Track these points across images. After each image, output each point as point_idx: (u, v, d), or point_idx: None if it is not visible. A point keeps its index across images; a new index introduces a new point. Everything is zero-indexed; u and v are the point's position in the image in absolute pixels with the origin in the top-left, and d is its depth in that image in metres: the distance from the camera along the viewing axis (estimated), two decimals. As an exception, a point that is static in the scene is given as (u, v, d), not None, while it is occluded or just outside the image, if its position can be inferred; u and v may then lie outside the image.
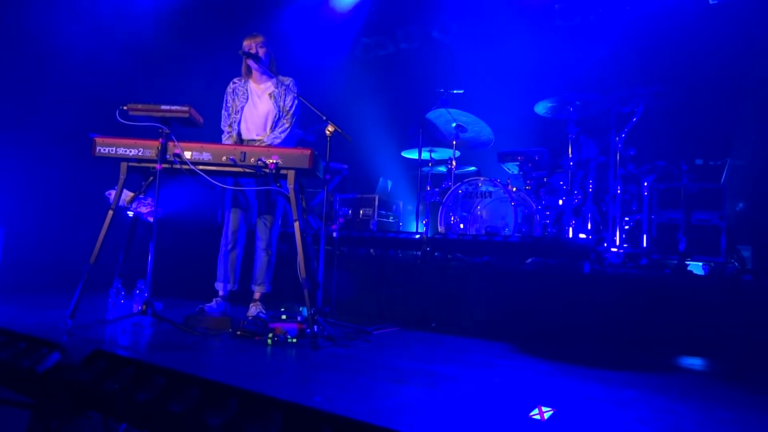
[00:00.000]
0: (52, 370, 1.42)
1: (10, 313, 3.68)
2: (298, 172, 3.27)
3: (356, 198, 5.84)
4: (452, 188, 5.07)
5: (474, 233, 4.89)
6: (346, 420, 1.00)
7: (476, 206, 5.01)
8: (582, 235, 4.59)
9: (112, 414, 1.28)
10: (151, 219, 3.27)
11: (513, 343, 3.49)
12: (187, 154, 3.20)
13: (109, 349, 2.80)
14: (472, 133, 5.38)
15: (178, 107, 3.14)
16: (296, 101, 3.76)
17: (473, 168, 5.81)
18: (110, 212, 3.18)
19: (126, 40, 6.01)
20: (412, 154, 5.78)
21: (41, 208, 5.65)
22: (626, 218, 4.73)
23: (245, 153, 3.21)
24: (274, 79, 3.75)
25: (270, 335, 3.11)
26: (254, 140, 3.74)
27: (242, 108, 3.76)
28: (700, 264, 4.49)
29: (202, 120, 3.34)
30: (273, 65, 3.77)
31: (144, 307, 3.06)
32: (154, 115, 3.15)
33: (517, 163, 5.20)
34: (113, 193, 3.22)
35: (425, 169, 5.54)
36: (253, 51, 3.65)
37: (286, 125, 3.73)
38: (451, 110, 5.16)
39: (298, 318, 3.32)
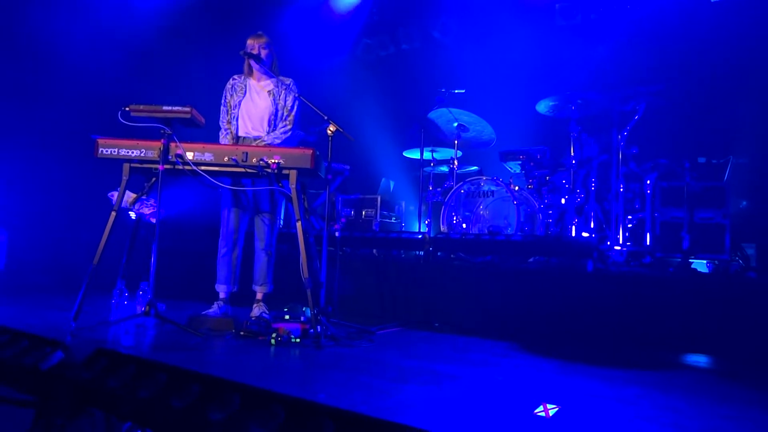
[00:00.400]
0: (56, 368, 1.42)
1: (14, 314, 3.70)
2: (300, 172, 3.27)
3: (359, 198, 5.84)
4: (454, 188, 5.07)
5: (476, 233, 4.88)
6: (349, 414, 1.00)
7: (479, 206, 5.01)
8: (585, 234, 4.58)
9: (114, 411, 1.28)
10: (153, 220, 3.28)
11: (516, 341, 3.48)
12: (190, 155, 3.21)
13: (113, 349, 2.80)
14: (474, 133, 5.37)
15: (179, 108, 3.15)
16: (297, 102, 3.76)
17: (475, 167, 5.81)
18: (113, 213, 3.18)
19: (127, 41, 6.04)
20: (414, 154, 5.78)
21: (45, 209, 5.68)
22: (629, 216, 4.72)
23: (247, 153, 3.22)
24: (275, 79, 3.76)
25: (273, 335, 3.11)
26: (250, 136, 3.70)
27: (240, 103, 3.73)
28: (704, 262, 4.48)
29: (203, 120, 3.34)
30: (275, 66, 3.77)
31: (147, 308, 3.06)
32: (156, 115, 3.16)
33: (519, 162, 5.19)
34: (116, 194, 3.23)
35: (427, 169, 5.54)
36: (255, 51, 3.65)
37: (288, 126, 3.72)
38: (453, 110, 5.16)
39: (302, 318, 3.32)
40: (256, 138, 3.70)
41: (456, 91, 5.38)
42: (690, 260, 4.35)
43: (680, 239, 4.37)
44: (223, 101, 3.79)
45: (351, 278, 4.41)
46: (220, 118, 3.79)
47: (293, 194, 3.24)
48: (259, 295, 3.71)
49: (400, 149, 6.21)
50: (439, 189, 5.36)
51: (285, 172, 3.24)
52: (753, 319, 3.24)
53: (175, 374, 1.24)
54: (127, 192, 3.27)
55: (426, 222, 5.13)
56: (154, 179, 3.30)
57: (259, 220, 3.70)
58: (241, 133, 3.74)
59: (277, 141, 3.65)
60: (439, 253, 4.67)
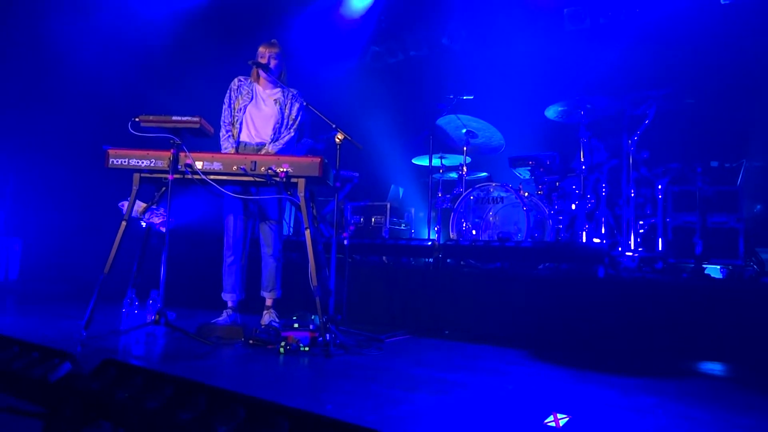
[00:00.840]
0: (64, 379, 1.43)
1: (26, 323, 3.74)
2: (309, 180, 3.28)
3: (368, 205, 5.84)
4: (464, 194, 5.05)
5: (486, 239, 4.85)
6: (355, 428, 0.99)
7: (488, 212, 4.98)
8: (596, 240, 4.54)
9: (121, 423, 1.28)
10: (163, 229, 3.29)
11: (527, 349, 3.45)
12: (199, 164, 3.22)
13: (123, 358, 2.82)
14: (483, 139, 5.36)
15: (188, 118, 3.17)
16: (302, 112, 3.77)
17: (484, 174, 5.79)
18: (123, 223, 3.21)
19: (138, 51, 6.11)
20: (423, 161, 5.77)
21: (57, 219, 5.74)
22: (641, 222, 4.67)
23: (256, 162, 3.23)
24: (282, 88, 3.77)
25: (282, 344, 3.11)
26: (252, 143, 3.69)
27: (245, 107, 3.71)
28: (718, 267, 4.41)
29: (212, 130, 3.36)
30: (283, 76, 3.77)
31: (157, 316, 3.07)
32: (165, 126, 3.18)
33: (529, 168, 5.16)
34: (126, 204, 3.26)
35: (436, 175, 5.53)
36: (264, 60, 3.65)
37: (291, 134, 3.73)
38: (461, 116, 5.15)
39: (311, 326, 3.32)
40: (258, 145, 3.70)
41: (464, 98, 5.37)
42: (703, 266, 4.29)
43: (693, 244, 4.32)
44: (227, 101, 3.74)
45: (360, 286, 4.40)
46: (222, 117, 3.74)
47: (302, 202, 3.25)
48: (268, 302, 3.71)
49: (409, 156, 6.21)
50: (448, 195, 5.35)
51: (293, 180, 3.25)
52: (769, 325, 3.18)
53: (182, 386, 1.24)
54: (138, 202, 3.30)
55: (435, 229, 5.12)
56: (163, 189, 3.32)
57: (266, 227, 3.70)
58: (243, 139, 3.70)
59: (277, 147, 3.66)
60: (448, 260, 4.65)
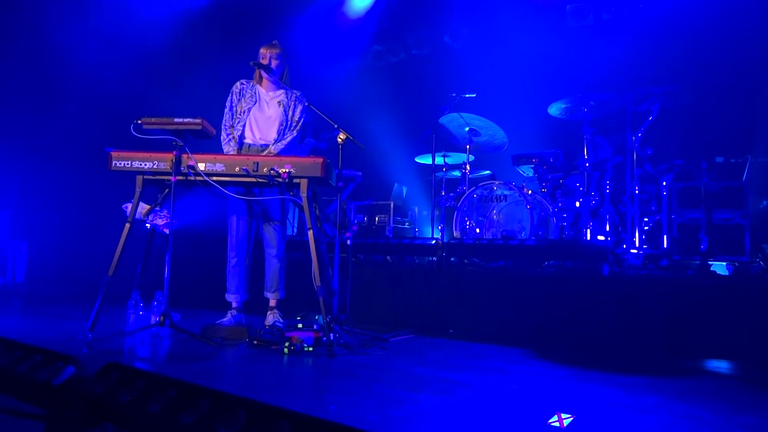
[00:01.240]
0: (67, 382, 1.43)
1: (32, 325, 3.76)
2: (311, 180, 3.28)
3: (371, 204, 5.84)
4: (467, 193, 5.04)
5: (490, 237, 4.84)
6: (355, 431, 0.99)
7: (492, 210, 4.97)
8: (600, 237, 4.52)
9: (124, 426, 1.29)
10: (167, 230, 3.31)
11: (531, 348, 3.44)
12: (201, 166, 3.23)
13: (128, 360, 2.83)
14: (486, 137, 5.34)
15: (190, 120, 3.18)
16: (305, 113, 3.78)
17: (488, 172, 5.77)
18: (127, 225, 3.22)
19: (139, 53, 6.12)
20: (425, 160, 5.76)
21: (61, 221, 5.77)
22: (645, 219, 4.64)
23: (258, 163, 3.23)
24: (285, 90, 3.77)
25: (286, 344, 3.11)
26: (256, 145, 3.69)
27: (249, 110, 3.71)
28: (724, 264, 4.39)
29: (214, 131, 3.37)
30: (285, 77, 3.77)
31: (162, 318, 3.08)
32: (167, 128, 3.19)
33: (532, 166, 5.14)
34: (129, 206, 3.27)
35: (439, 174, 5.52)
36: (266, 61, 3.65)
37: (294, 135, 3.73)
38: (464, 114, 5.13)
39: (314, 326, 3.32)
40: (262, 146, 3.70)
41: (467, 96, 5.36)
42: (709, 262, 4.27)
43: (698, 241, 4.29)
44: (229, 104, 3.74)
45: (364, 285, 4.40)
46: (224, 121, 3.73)
47: (304, 203, 3.25)
48: (272, 302, 3.71)
49: (412, 155, 6.20)
50: (451, 194, 5.34)
51: (296, 180, 3.25)
52: (775, 322, 3.16)
53: (184, 389, 1.24)
54: (141, 203, 3.31)
55: (439, 227, 5.11)
56: (166, 190, 3.33)
57: (270, 228, 3.71)
58: (247, 140, 3.71)
59: (279, 148, 3.66)
60: (452, 259, 4.64)
